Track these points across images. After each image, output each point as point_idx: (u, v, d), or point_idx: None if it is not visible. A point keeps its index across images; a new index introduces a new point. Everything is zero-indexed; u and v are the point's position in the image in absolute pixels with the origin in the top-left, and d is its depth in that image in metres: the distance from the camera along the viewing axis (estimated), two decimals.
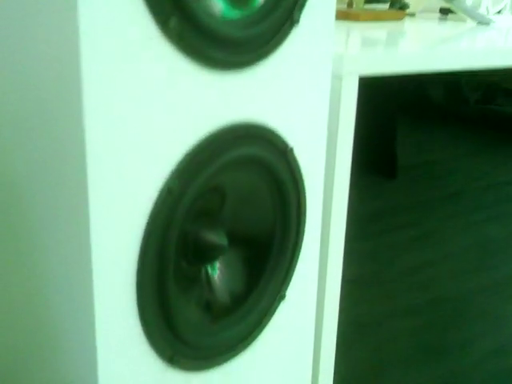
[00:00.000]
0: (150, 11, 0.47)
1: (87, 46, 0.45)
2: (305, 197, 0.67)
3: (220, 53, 0.53)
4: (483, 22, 1.30)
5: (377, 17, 1.26)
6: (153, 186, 0.53)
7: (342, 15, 1.26)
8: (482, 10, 1.42)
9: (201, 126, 0.55)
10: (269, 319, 0.67)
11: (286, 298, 0.69)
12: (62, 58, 0.48)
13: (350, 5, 1.33)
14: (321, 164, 0.68)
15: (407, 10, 1.44)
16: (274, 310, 0.68)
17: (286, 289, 0.68)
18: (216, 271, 0.64)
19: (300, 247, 0.68)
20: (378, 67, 0.72)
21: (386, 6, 1.29)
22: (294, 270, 0.68)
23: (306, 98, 0.64)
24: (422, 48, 0.81)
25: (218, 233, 0.62)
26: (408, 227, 2.04)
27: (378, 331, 1.41)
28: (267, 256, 0.66)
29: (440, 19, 1.47)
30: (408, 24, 1.29)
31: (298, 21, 0.60)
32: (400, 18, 1.32)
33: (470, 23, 1.34)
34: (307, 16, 0.61)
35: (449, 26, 1.26)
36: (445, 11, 1.48)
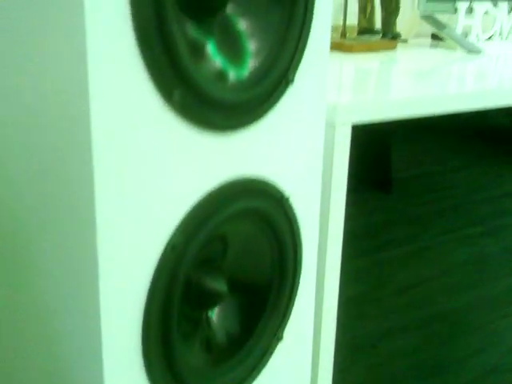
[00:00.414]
0: (155, 85, 0.51)
1: (98, 117, 0.49)
2: (301, 243, 0.70)
3: (220, 117, 0.56)
4: (473, 51, 1.33)
5: (370, 48, 1.29)
6: (158, 243, 0.56)
7: (335, 46, 1.29)
8: (472, 37, 1.45)
9: (202, 184, 0.58)
10: (266, 360, 0.70)
11: (283, 339, 0.72)
12: (74, 130, 0.51)
13: (343, 35, 1.36)
14: (316, 210, 0.71)
15: (400, 37, 1.48)
16: (272, 352, 0.71)
17: (283, 330, 0.71)
18: (216, 315, 0.67)
19: (296, 290, 0.71)
20: (370, 116, 0.75)
21: (379, 36, 1.33)
22: (290, 313, 0.71)
23: (300, 148, 0.67)
24: (412, 93, 0.84)
25: (219, 280, 0.65)
26: (404, 243, 2.07)
27: (374, 351, 1.44)
28: (265, 300, 0.69)
29: (432, 46, 1.51)
30: (400, 54, 1.32)
31: (292, 80, 0.63)
32: (393, 48, 1.35)
33: (461, 51, 1.37)
34: (301, 74, 0.64)
35: (439, 57, 1.30)
36: (436, 37, 1.51)
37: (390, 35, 1.33)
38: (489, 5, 1.47)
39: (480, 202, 2.42)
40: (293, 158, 0.67)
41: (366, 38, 1.28)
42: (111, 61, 0.48)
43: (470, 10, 1.45)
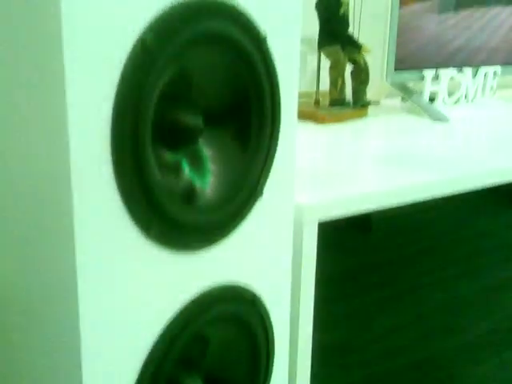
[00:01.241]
0: (134, 222, 0.56)
1: (83, 252, 0.54)
2: (273, 337, 0.75)
3: (195, 239, 0.62)
4: (440, 119, 1.41)
5: (341, 118, 1.36)
6: (141, 350, 0.61)
7: (309, 115, 1.36)
8: (439, 102, 1.53)
9: (179, 296, 0.64)
10: None
11: None
12: (60, 262, 0.56)
13: (316, 102, 1.43)
14: (286, 305, 0.77)
15: (373, 99, 1.55)
16: None
17: None
18: None
19: (269, 380, 0.76)
20: (336, 213, 0.81)
21: (350, 106, 1.40)
22: None
23: (270, 250, 0.73)
24: (376, 185, 0.90)
25: (196, 379, 0.70)
26: (383, 286, 2.11)
27: None
28: None
29: (401, 108, 1.58)
30: (370, 122, 1.40)
31: (261, 194, 0.69)
32: (363, 116, 1.42)
33: (428, 119, 1.45)
34: (270, 185, 0.70)
35: (406, 127, 1.36)
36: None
37: (360, 104, 1.40)
38: (454, 71, 1.55)
39: (455, 242, 2.48)
40: (263, 259, 0.72)
41: (337, 109, 1.35)
42: (95, 205, 0.54)
43: (436, 77, 1.52)
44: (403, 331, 1.83)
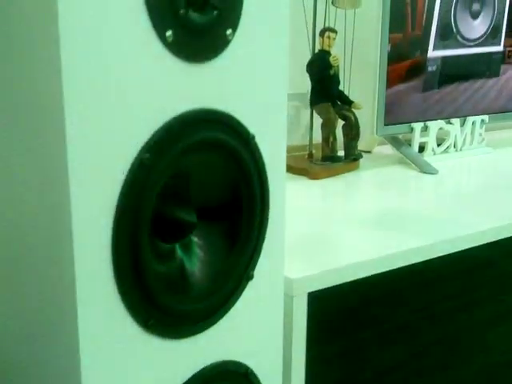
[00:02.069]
0: (132, 317, 0.61)
1: (87, 354, 0.59)
2: None
3: (189, 327, 0.67)
4: (428, 172, 1.46)
5: (333, 173, 1.42)
6: None
7: (301, 171, 1.41)
8: (428, 152, 1.59)
9: (176, 378, 0.68)
10: None
11: None
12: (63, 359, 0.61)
13: (310, 156, 1.49)
14: (278, 378, 0.81)
15: (365, 149, 1.61)
16: None
17: None
18: None
19: None
20: (325, 284, 0.86)
21: (341, 160, 1.45)
22: None
23: (261, 326, 0.78)
24: (364, 253, 0.95)
25: None
26: (379, 322, 2.13)
27: None
28: None
29: (393, 157, 1.64)
30: (362, 174, 1.45)
31: (252, 277, 0.74)
32: (355, 169, 1.48)
33: (417, 170, 1.51)
34: (260, 266, 0.75)
35: (395, 180, 1.42)
36: None
37: (351, 158, 1.46)
38: (442, 122, 1.61)
39: (452, 274, 2.50)
40: (255, 336, 0.77)
41: (329, 164, 1.41)
42: (96, 304, 0.59)
43: (425, 128, 1.58)
44: (402, 369, 1.85)
